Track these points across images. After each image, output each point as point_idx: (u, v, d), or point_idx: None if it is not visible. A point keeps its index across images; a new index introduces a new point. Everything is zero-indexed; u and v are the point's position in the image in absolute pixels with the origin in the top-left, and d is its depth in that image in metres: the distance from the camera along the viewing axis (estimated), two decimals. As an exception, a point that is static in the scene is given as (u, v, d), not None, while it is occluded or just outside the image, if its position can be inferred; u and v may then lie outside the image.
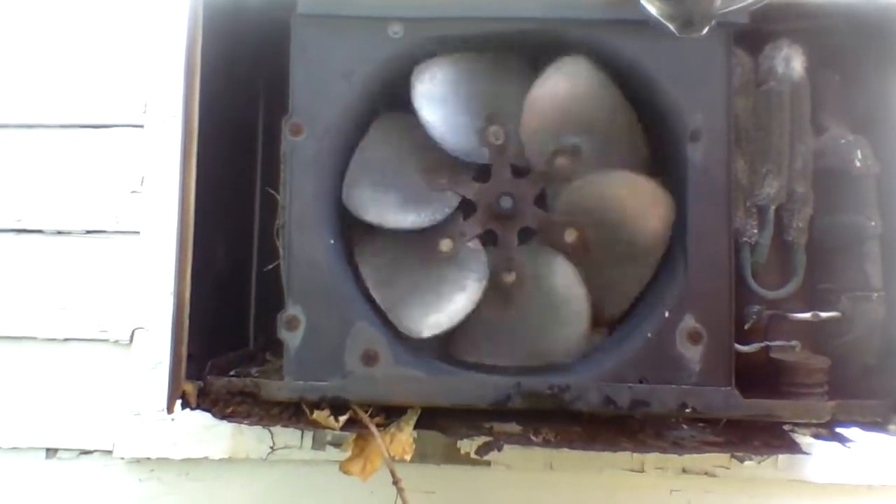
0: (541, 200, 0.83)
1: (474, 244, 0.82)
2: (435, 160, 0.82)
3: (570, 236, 0.82)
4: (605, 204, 0.81)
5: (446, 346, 0.83)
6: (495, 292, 0.81)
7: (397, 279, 0.81)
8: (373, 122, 0.83)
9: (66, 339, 1.02)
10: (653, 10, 0.33)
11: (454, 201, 0.82)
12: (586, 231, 0.81)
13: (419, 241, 0.82)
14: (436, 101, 0.81)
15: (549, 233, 0.82)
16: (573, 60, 0.80)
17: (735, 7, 0.34)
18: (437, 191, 0.82)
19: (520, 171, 0.83)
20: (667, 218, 0.79)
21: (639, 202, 0.80)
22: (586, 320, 0.80)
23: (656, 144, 0.82)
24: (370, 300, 0.79)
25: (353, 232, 0.83)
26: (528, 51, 0.82)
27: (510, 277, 0.82)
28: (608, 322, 0.83)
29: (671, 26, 0.33)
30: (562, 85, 0.81)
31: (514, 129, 0.82)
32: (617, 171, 0.81)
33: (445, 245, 0.82)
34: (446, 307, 0.79)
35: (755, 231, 0.80)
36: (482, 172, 0.83)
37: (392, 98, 0.82)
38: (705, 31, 0.34)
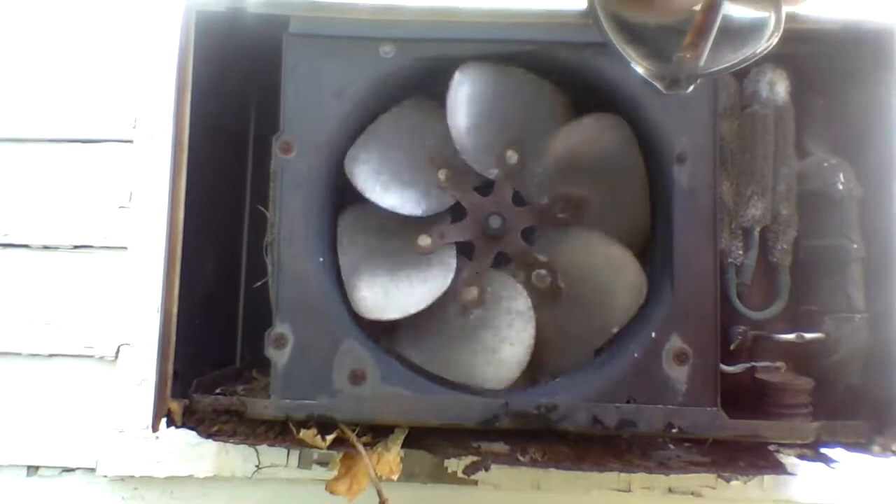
0: (528, 234, 0.84)
1: (450, 249, 0.83)
2: (444, 157, 0.82)
3: (540, 280, 0.82)
4: (584, 262, 0.82)
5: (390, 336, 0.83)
6: (452, 302, 0.82)
7: (368, 256, 0.81)
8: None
9: (50, 355, 1.01)
10: (640, 70, 0.34)
11: (448, 202, 0.83)
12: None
13: (401, 228, 0.82)
14: (469, 104, 0.81)
15: (524, 267, 0.83)
16: (614, 119, 0.81)
17: (720, 68, 0.35)
18: (437, 187, 0.82)
19: (520, 200, 0.84)
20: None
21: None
22: (520, 367, 0.80)
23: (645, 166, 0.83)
24: (358, 319, 0.79)
25: (345, 198, 0.83)
26: (570, 86, 0.83)
27: (471, 294, 0.82)
28: (543, 374, 0.83)
29: (658, 85, 0.34)
30: (596, 137, 0.82)
31: (531, 157, 0.83)
32: (612, 242, 0.82)
33: (423, 240, 0.82)
34: (401, 298, 0.80)
35: (740, 252, 0.81)
36: (485, 186, 0.84)
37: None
38: (691, 89, 0.35)
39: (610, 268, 0.82)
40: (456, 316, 0.82)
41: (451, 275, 0.82)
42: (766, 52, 0.33)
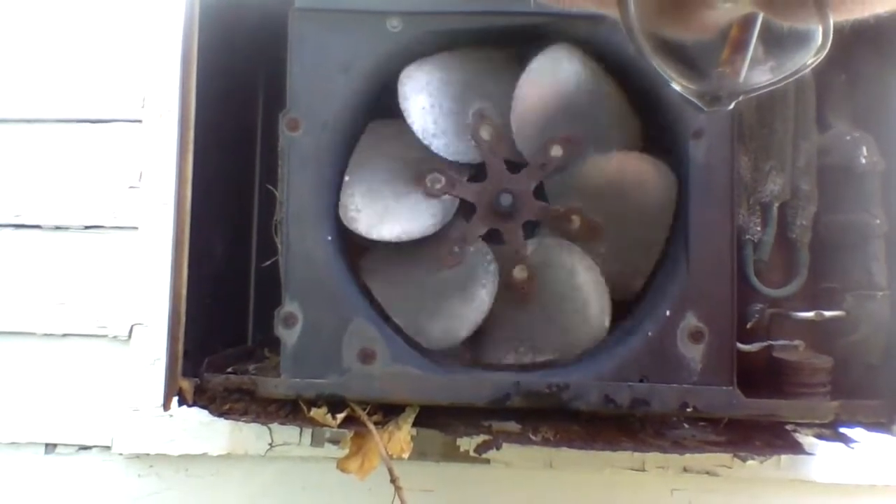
0: (540, 192, 0.82)
1: (479, 246, 0.81)
2: (428, 167, 0.80)
3: (574, 223, 0.80)
4: (603, 185, 0.80)
5: (471, 352, 0.81)
6: (509, 291, 0.80)
7: (410, 294, 0.80)
8: (366, 126, 0.81)
9: (64, 335, 1.02)
10: (679, 88, 0.33)
11: (453, 206, 0.81)
12: (590, 214, 0.80)
13: (425, 252, 0.80)
14: (422, 105, 0.80)
15: (554, 223, 0.81)
16: (556, 49, 0.79)
17: (762, 85, 0.33)
18: (435, 198, 0.80)
19: (515, 166, 0.82)
20: (666, 186, 0.78)
21: (636, 177, 0.80)
22: (607, 300, 0.79)
23: (658, 140, 0.81)
24: (368, 297, 0.79)
25: (356, 250, 0.82)
26: (517, 45, 0.81)
27: (522, 273, 0.80)
28: (630, 297, 0.81)
29: (699, 103, 0.33)
30: (547, 75, 0.80)
31: (504, 125, 0.81)
32: (611, 152, 0.80)
33: (451, 251, 0.80)
34: (464, 314, 0.78)
35: (758, 229, 0.79)
36: (477, 172, 0.82)
37: (391, 92, 0.81)
38: (732, 105, 0.34)
39: (624, 173, 0.80)
40: (519, 302, 0.80)
41: (495, 267, 0.79)
42: (814, 66, 0.31)
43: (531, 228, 0.82)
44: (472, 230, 0.81)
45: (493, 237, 0.82)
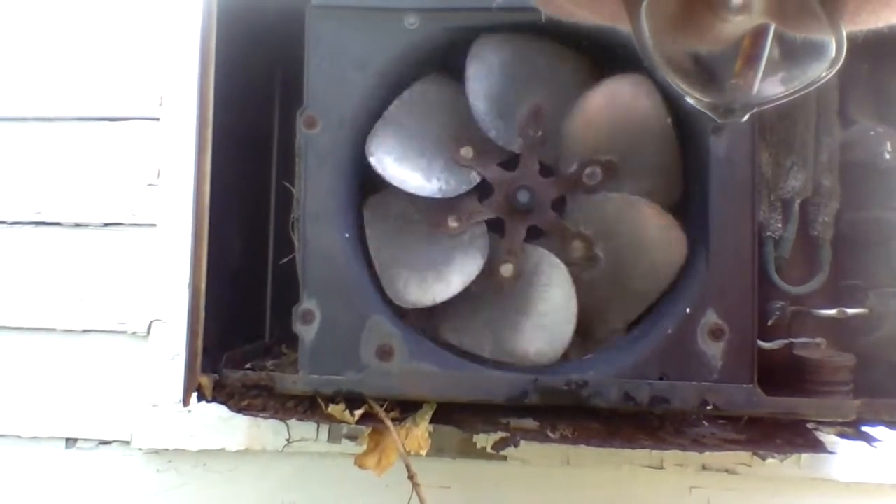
0: (559, 205, 0.82)
1: (481, 228, 0.81)
2: (467, 133, 0.80)
3: (576, 250, 0.80)
4: (620, 226, 0.79)
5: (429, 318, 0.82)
6: (488, 281, 0.80)
7: (399, 245, 0.80)
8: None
9: (84, 331, 1.03)
10: (693, 101, 0.32)
11: (474, 180, 0.81)
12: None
13: (429, 211, 0.81)
14: (488, 77, 0.79)
15: (557, 239, 0.81)
16: (637, 79, 0.78)
17: (776, 97, 0.33)
18: (461, 165, 0.81)
19: (547, 171, 0.81)
20: (676, 258, 0.78)
21: (653, 234, 0.79)
22: (569, 336, 0.79)
23: (679, 136, 0.80)
24: (385, 294, 0.79)
25: (367, 185, 0.82)
26: (591, 50, 0.80)
27: (507, 271, 0.81)
28: (594, 341, 0.81)
29: (713, 115, 0.33)
30: (620, 99, 0.79)
31: (554, 127, 0.80)
32: (641, 198, 0.79)
33: (453, 221, 0.81)
34: (437, 284, 0.79)
35: (779, 225, 0.78)
36: (510, 160, 0.82)
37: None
38: (746, 117, 0.33)
39: (646, 227, 0.79)
40: (494, 295, 0.81)
41: (484, 254, 0.80)
42: (828, 78, 0.31)
43: (534, 235, 0.82)
44: (480, 211, 0.81)
45: (496, 226, 0.82)
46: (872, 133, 0.79)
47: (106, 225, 1.04)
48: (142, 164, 1.03)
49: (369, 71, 0.77)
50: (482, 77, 0.79)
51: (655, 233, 0.79)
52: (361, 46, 0.77)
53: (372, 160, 0.79)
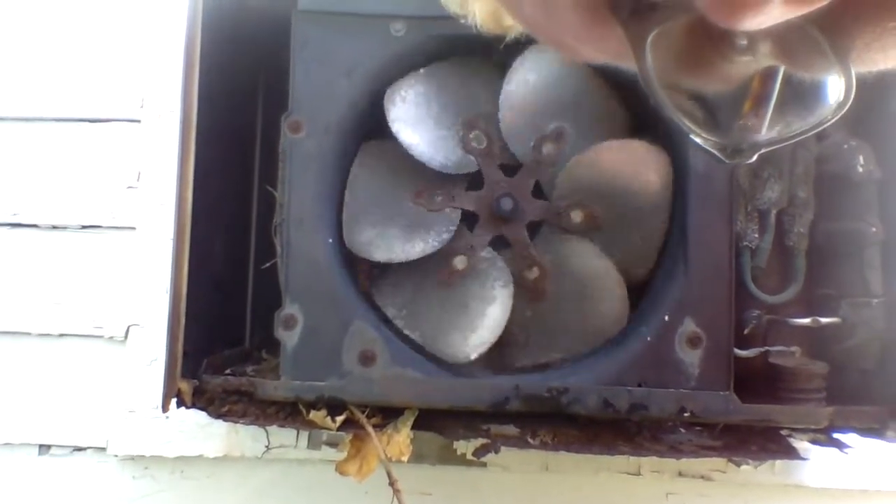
0: (538, 191, 0.83)
1: (488, 252, 0.82)
2: (425, 181, 0.81)
3: (577, 217, 0.81)
4: (600, 176, 0.80)
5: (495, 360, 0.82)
6: (524, 292, 0.81)
7: (424, 310, 0.80)
8: (361, 147, 0.82)
9: (60, 335, 1.01)
10: (700, 141, 0.32)
11: (456, 217, 0.81)
12: (591, 207, 0.81)
13: (433, 266, 0.81)
14: (411, 121, 0.80)
15: (556, 219, 0.82)
16: (537, 48, 0.79)
17: (784, 138, 0.33)
18: (436, 211, 0.81)
19: (510, 169, 0.82)
20: (663, 170, 0.79)
21: (632, 164, 0.80)
22: (622, 287, 0.80)
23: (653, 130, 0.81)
24: (368, 300, 0.79)
25: (361, 271, 0.83)
26: (504, 55, 0.81)
27: (533, 274, 0.81)
28: (640, 283, 0.82)
29: (720, 155, 0.33)
30: (530, 75, 0.81)
31: (494, 130, 0.82)
32: (603, 142, 0.80)
33: (460, 262, 0.81)
34: (482, 322, 0.79)
35: (756, 235, 0.80)
36: (474, 180, 0.82)
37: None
38: (755, 158, 0.33)
39: (619, 162, 0.81)
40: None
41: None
42: (836, 119, 0.31)
43: (535, 228, 0.83)
44: (478, 239, 0.82)
45: (499, 243, 0.82)
46: (846, 146, 0.81)
47: (84, 227, 1.02)
48: (122, 167, 1.02)
49: (355, 77, 0.78)
50: (406, 123, 0.80)
51: (635, 160, 0.80)
52: (347, 52, 0.77)
53: (356, 249, 0.80)
